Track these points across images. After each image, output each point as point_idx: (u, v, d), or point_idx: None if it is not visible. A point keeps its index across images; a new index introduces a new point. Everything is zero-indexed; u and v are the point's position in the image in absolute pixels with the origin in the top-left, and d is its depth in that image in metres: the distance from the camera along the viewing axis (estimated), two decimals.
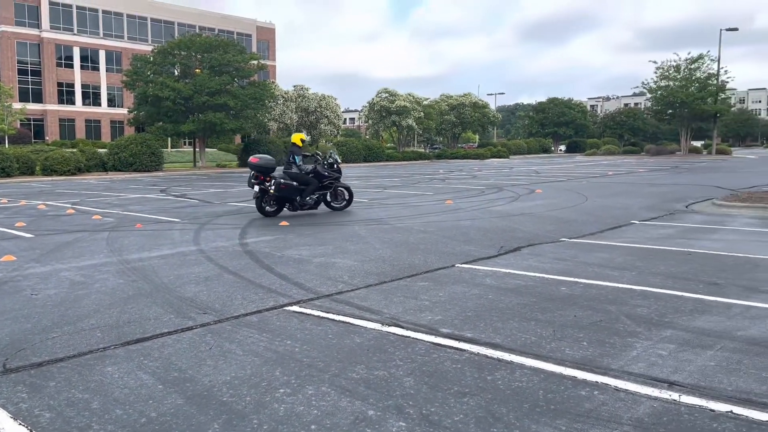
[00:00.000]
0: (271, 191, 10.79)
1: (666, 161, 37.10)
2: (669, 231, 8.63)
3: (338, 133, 53.32)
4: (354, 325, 4.35)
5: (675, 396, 3.04)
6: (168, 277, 5.99)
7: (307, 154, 11.89)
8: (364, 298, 5.10)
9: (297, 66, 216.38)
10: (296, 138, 11.72)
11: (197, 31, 48.48)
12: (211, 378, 3.38)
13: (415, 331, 4.18)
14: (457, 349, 3.81)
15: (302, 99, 49.45)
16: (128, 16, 57.21)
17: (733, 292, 5.10)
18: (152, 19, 58.87)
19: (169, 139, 44.10)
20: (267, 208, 11.08)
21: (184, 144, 51.52)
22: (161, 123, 33.43)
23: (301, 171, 11.24)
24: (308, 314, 4.64)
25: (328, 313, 4.66)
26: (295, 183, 11.06)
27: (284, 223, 9.97)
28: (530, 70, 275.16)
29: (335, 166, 11.93)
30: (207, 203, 13.85)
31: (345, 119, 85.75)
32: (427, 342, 3.95)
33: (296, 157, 11.29)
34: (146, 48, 47.89)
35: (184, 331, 4.24)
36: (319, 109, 49.75)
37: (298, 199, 11.17)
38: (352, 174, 27.23)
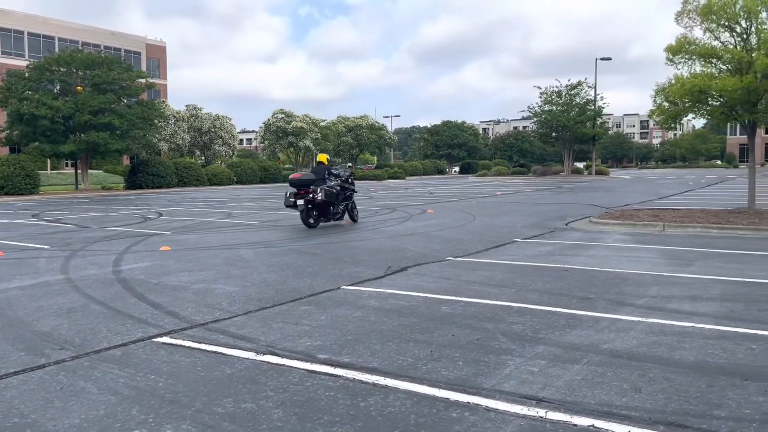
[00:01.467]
0: (319, 198, 11.61)
1: (551, 181, 39.19)
2: (548, 248, 9.00)
3: (233, 153, 52.21)
4: (226, 355, 4.12)
5: (542, 413, 3.08)
6: (25, 309, 5.46)
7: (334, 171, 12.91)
8: (241, 325, 4.87)
9: (192, 85, 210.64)
10: (323, 158, 12.99)
11: (80, 47, 45.98)
12: (57, 422, 3.05)
13: (290, 358, 4.02)
14: (332, 375, 3.69)
15: (195, 119, 48.03)
16: (2, 29, 53.40)
17: (602, 306, 5.34)
18: (29, 33, 55.27)
19: (49, 160, 41.26)
20: (311, 220, 11.91)
21: (66, 165, 48.40)
22: (37, 143, 31.22)
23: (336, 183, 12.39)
24: (178, 345, 4.35)
25: (200, 343, 4.39)
26: (335, 190, 12.09)
27: (165, 248, 9.47)
28: (426, 93, 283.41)
29: (350, 180, 13.02)
30: (83, 228, 12.97)
31: (242, 139, 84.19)
32: (302, 369, 3.80)
33: (332, 171, 12.64)
34: (22, 63, 44.82)
35: (33, 370, 3.84)
36: (213, 130, 48.51)
37: (331, 209, 12.08)
38: (246, 195, 26.63)
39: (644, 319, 4.84)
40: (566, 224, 12.40)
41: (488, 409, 3.13)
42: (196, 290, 6.22)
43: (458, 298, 5.64)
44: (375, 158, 75.61)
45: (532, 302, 5.47)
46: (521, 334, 4.49)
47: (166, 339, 4.50)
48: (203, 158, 49.44)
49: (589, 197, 21.27)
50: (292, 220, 13.32)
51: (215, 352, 4.17)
